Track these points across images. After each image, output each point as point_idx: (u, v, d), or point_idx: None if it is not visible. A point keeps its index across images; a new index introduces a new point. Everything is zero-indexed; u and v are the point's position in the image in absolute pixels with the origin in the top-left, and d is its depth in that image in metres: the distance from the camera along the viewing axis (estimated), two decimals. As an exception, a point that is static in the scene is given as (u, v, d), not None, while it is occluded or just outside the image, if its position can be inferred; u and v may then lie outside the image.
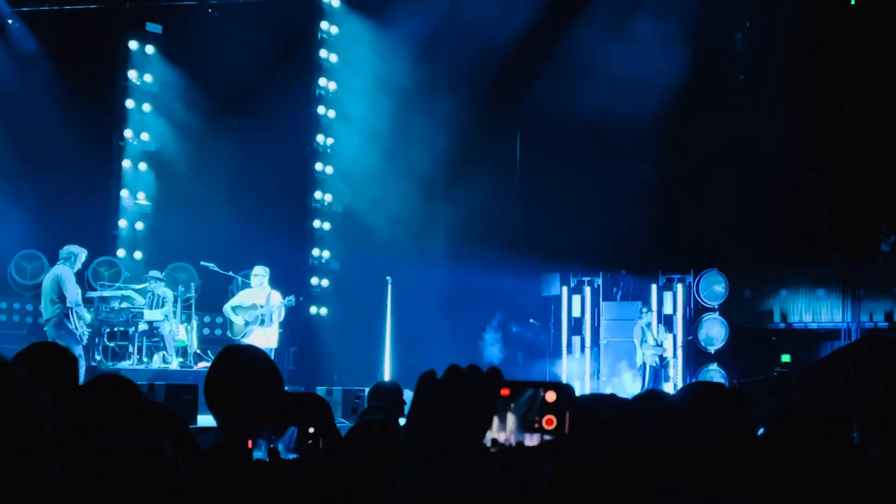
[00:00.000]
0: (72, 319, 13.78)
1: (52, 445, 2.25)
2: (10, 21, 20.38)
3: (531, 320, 18.41)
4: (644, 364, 17.16)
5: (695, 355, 18.22)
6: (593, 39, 17.88)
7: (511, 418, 1.71)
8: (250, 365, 3.81)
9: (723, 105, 18.83)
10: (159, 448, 2.41)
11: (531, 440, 1.70)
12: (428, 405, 1.69)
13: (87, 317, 14.51)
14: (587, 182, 18.43)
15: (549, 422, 1.71)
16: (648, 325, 17.17)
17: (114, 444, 2.39)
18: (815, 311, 19.12)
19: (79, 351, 13.73)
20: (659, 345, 17.29)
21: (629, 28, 17.86)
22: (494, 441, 1.70)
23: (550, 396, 1.73)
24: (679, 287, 18.36)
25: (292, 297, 15.62)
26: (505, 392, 1.72)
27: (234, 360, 3.86)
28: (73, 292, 13.90)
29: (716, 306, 18.25)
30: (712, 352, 18.08)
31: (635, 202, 18.06)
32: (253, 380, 3.74)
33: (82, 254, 14.54)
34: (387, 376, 15.85)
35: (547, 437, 1.70)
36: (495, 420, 1.70)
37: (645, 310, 17.40)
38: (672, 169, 18.60)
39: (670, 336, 17.97)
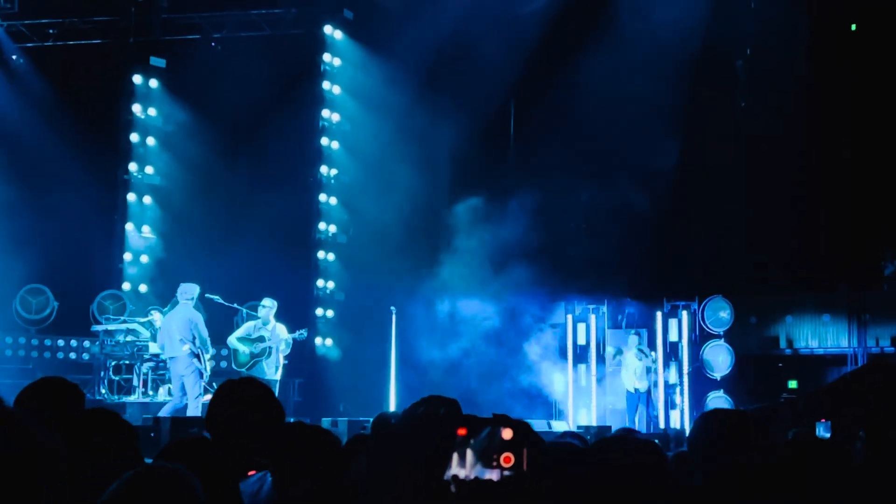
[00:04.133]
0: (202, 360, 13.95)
1: (64, 483, 2.26)
2: (14, 57, 20.50)
3: (536, 349, 18.36)
4: (638, 391, 17.35)
5: (701, 382, 18.15)
6: (595, 66, 17.94)
7: (470, 455, 1.71)
8: (246, 401, 3.81)
9: (726, 131, 18.86)
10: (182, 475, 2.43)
11: (491, 476, 1.70)
12: (386, 447, 1.70)
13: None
14: (590, 209, 18.44)
15: (507, 459, 1.72)
16: (640, 350, 17.33)
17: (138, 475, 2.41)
18: (820, 336, 19.08)
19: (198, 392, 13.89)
20: (652, 371, 17.57)
21: (631, 54, 17.90)
22: (455, 477, 1.70)
23: (507, 434, 1.74)
24: (684, 314, 18.32)
25: (304, 331, 15.62)
26: (462, 432, 1.73)
27: (231, 396, 3.86)
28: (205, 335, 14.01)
29: (721, 333, 18.20)
30: (718, 378, 18.02)
31: (639, 229, 18.06)
32: (248, 418, 3.73)
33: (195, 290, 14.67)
34: (392, 407, 15.82)
35: (506, 474, 1.71)
36: (455, 457, 1.70)
37: (633, 332, 17.70)
38: (676, 196, 18.60)
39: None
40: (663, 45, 17.87)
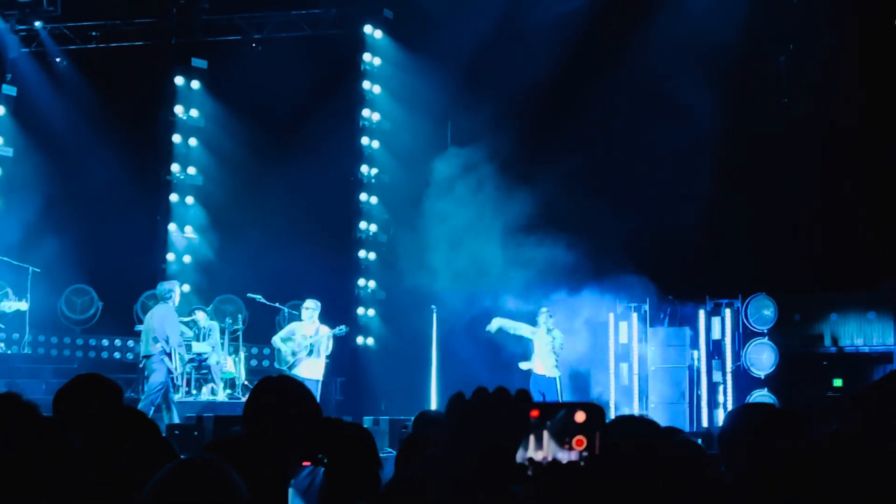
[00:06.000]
0: (173, 359, 14.03)
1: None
2: (57, 59, 20.72)
3: (576, 347, 18.30)
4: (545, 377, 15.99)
5: (744, 381, 18.02)
6: (634, 63, 17.85)
7: (547, 437, 1.71)
8: (285, 397, 3.82)
9: (769, 128, 18.71)
10: (221, 469, 2.44)
11: (565, 458, 1.71)
12: (459, 425, 1.70)
13: (185, 357, 14.74)
14: (631, 208, 18.35)
15: (580, 442, 1.72)
16: (549, 330, 16.14)
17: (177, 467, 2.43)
18: (866, 334, 18.87)
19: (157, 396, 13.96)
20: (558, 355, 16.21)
21: (672, 51, 17.79)
22: (531, 460, 1.71)
23: (580, 417, 1.75)
24: (727, 312, 18.19)
25: (343, 327, 15.67)
26: (534, 413, 1.74)
27: (270, 392, 3.88)
28: (175, 334, 14.13)
29: (765, 331, 18.05)
30: (762, 377, 17.88)
31: (682, 227, 17.94)
32: (288, 412, 3.75)
33: (177, 287, 14.73)
34: (434, 405, 15.83)
35: (580, 456, 1.71)
36: (531, 439, 1.71)
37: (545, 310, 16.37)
38: (718, 193, 18.46)
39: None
40: (704, 41, 17.75)
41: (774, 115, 18.97)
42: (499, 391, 1.75)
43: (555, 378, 16.00)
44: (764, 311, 18.02)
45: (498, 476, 1.70)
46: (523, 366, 16.20)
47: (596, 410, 1.78)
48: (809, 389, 17.66)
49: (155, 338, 13.91)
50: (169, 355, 13.94)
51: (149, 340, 14.01)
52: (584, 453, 1.73)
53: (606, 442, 1.73)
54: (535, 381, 15.90)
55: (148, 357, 14.03)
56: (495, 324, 16.13)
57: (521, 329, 16.19)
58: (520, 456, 1.71)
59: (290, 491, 3.78)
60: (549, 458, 1.73)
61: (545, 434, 1.73)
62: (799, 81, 18.86)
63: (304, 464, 3.75)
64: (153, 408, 13.67)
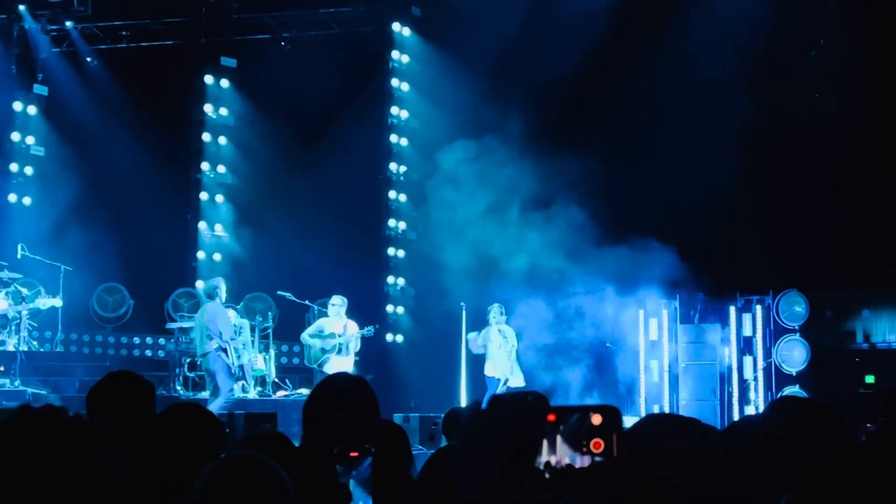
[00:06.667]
0: (229, 353, 14.16)
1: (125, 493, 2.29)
2: (88, 59, 20.86)
3: (607, 344, 18.27)
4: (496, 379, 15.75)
5: (776, 377, 17.92)
6: (662, 59, 17.77)
7: (561, 441, 1.71)
8: (352, 391, 3.85)
9: (799, 123, 18.58)
10: (267, 465, 2.46)
11: (581, 462, 1.70)
12: (477, 433, 1.70)
13: (241, 350, 14.85)
14: (660, 204, 18.28)
15: (597, 445, 1.72)
16: (500, 330, 15.81)
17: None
18: (899, 330, 18.73)
19: (231, 386, 14.23)
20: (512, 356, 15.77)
21: (699, 46, 17.71)
22: (547, 464, 1.70)
23: (596, 420, 1.74)
24: (758, 308, 18.09)
25: (371, 327, 15.71)
26: (551, 418, 1.73)
27: (338, 383, 3.91)
28: (228, 328, 14.26)
29: (796, 327, 17.95)
30: (794, 373, 17.78)
31: (713, 223, 17.86)
32: (354, 405, 3.78)
33: (222, 283, 14.84)
34: (463, 402, 15.84)
35: (597, 460, 1.71)
36: (545, 444, 1.70)
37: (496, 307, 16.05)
38: (748, 189, 18.37)
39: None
40: (733, 37, 17.66)
41: (806, 109, 18.84)
42: (516, 399, 1.75)
43: (497, 379, 15.63)
44: (795, 308, 17.92)
45: (517, 481, 1.70)
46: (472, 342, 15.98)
47: (612, 413, 1.77)
48: (841, 386, 17.53)
49: (209, 335, 14.04)
50: (224, 350, 14.08)
51: (203, 339, 14.14)
52: (601, 456, 1.73)
53: (624, 443, 1.73)
54: (488, 382, 15.76)
55: (204, 355, 14.18)
56: (475, 345, 15.94)
57: (480, 340, 15.89)
58: (537, 460, 1.71)
59: (352, 482, 3.82)
60: (565, 462, 1.73)
61: (559, 438, 1.73)
62: (829, 76, 18.73)
63: (353, 454, 3.78)
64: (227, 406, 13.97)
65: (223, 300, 14.63)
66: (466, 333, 16.44)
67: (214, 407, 13.74)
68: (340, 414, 3.75)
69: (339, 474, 3.66)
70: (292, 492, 2.48)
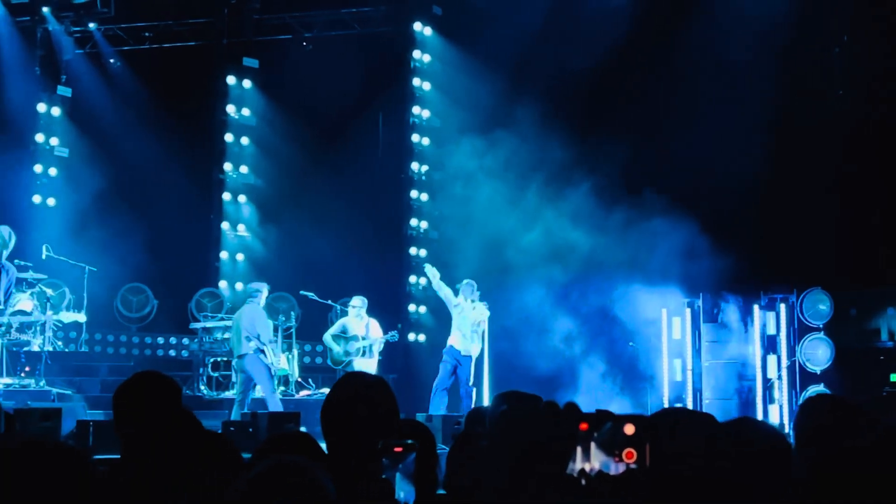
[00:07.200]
0: (268, 354, 14.30)
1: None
2: (111, 60, 20.96)
3: (630, 343, 18.22)
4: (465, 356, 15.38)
5: (800, 376, 17.84)
6: (684, 56, 17.72)
7: (595, 449, 1.71)
8: (372, 390, 3.85)
9: (821, 120, 18.48)
10: (312, 470, 2.46)
11: (614, 470, 1.71)
12: (502, 438, 1.71)
13: (278, 351, 15.01)
14: (683, 203, 18.23)
15: (629, 455, 1.72)
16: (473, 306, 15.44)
17: (269, 469, 2.45)
18: (923, 329, 18.61)
19: (273, 385, 14.49)
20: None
21: (721, 43, 17.64)
22: (581, 471, 1.71)
23: (629, 429, 1.74)
24: (782, 307, 18.00)
25: (395, 333, 15.79)
26: (583, 427, 1.74)
27: (357, 384, 3.91)
28: (267, 330, 14.40)
29: (820, 326, 17.86)
30: (818, 372, 17.69)
31: (736, 222, 17.79)
32: (374, 404, 3.78)
33: (265, 289, 14.98)
34: (486, 402, 15.81)
35: (630, 468, 1.71)
36: (579, 451, 1.71)
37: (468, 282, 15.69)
38: (771, 187, 18.29)
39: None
40: (755, 33, 17.58)
41: (829, 106, 18.75)
42: (526, 403, 1.77)
43: (470, 357, 15.41)
44: (819, 306, 17.82)
45: (524, 482, 1.71)
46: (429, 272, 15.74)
47: (644, 423, 1.78)
48: (866, 385, 17.43)
49: (247, 336, 14.15)
50: (263, 352, 14.20)
51: (241, 340, 14.26)
52: (635, 465, 1.73)
53: (658, 453, 1.73)
54: (449, 353, 15.46)
55: (242, 356, 14.29)
56: (432, 272, 15.63)
57: (444, 291, 15.57)
58: (570, 467, 1.72)
59: (398, 475, 3.84)
60: (598, 469, 1.74)
61: (593, 445, 1.73)
62: (853, 73, 18.63)
63: (396, 450, 3.80)
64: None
65: (262, 304, 14.75)
66: (488, 333, 16.43)
67: (273, 404, 14.03)
68: (362, 413, 3.76)
69: (385, 468, 3.67)
70: (333, 493, 2.49)
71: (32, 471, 2.31)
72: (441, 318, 19.27)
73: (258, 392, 15.94)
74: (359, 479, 3.50)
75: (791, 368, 17.77)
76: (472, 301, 15.53)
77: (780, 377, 17.78)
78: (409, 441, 3.71)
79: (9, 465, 2.31)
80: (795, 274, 18.00)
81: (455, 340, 15.44)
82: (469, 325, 15.34)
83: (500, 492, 1.73)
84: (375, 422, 3.74)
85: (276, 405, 14.12)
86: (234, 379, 16.27)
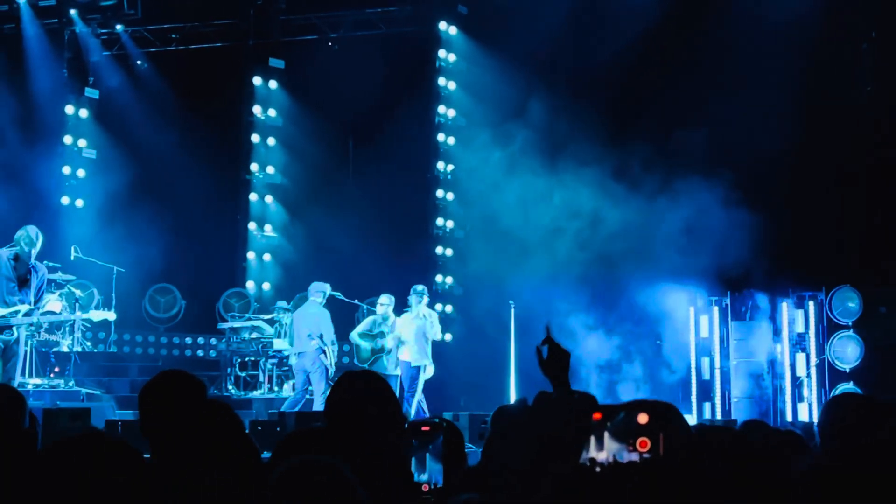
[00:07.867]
0: (328, 355, 14.40)
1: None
2: (138, 62, 21.07)
3: (657, 342, 18.17)
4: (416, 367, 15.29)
5: (829, 374, 17.73)
6: (710, 51, 17.63)
7: (608, 438, 1.70)
8: (365, 394, 3.85)
9: (852, 117, 18.37)
10: (340, 470, 2.47)
11: (627, 459, 1.69)
12: (517, 433, 1.71)
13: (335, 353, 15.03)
14: (710, 199, 18.14)
15: (643, 444, 1.70)
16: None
17: (297, 466, 2.46)
18: (954, 326, 18.45)
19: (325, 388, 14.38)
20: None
21: (748, 39, 17.56)
22: (593, 460, 1.70)
23: (643, 419, 1.73)
24: (811, 305, 17.90)
25: None
26: (597, 416, 1.73)
27: (350, 388, 3.91)
28: (330, 331, 14.49)
29: (850, 324, 17.74)
30: (847, 370, 17.58)
31: (764, 219, 17.69)
32: (383, 401, 3.79)
33: (328, 289, 14.99)
34: (512, 400, 15.80)
35: (644, 457, 1.70)
36: (593, 440, 1.70)
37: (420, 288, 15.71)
38: (799, 184, 18.18)
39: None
40: (782, 31, 17.47)
41: (859, 102, 18.63)
42: (561, 396, 1.76)
43: (419, 367, 15.29)
44: (848, 304, 17.71)
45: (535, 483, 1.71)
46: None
47: (660, 410, 1.76)
48: (895, 383, 17.31)
49: (310, 335, 14.27)
50: (324, 352, 14.29)
51: (301, 338, 14.36)
52: (648, 454, 1.72)
53: (671, 442, 1.71)
54: (403, 368, 15.39)
55: (300, 353, 14.42)
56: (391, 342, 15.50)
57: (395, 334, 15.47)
58: (583, 457, 1.71)
59: (427, 456, 3.85)
60: (611, 459, 1.72)
61: (607, 435, 1.72)
62: (881, 68, 18.49)
63: (424, 429, 3.81)
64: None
65: (322, 304, 14.89)
66: (514, 332, 16.41)
67: (321, 405, 13.99)
68: (372, 412, 3.76)
69: (415, 448, 3.68)
70: (362, 492, 2.50)
71: (94, 458, 2.42)
72: (467, 317, 19.28)
73: (286, 391, 16.02)
74: (367, 475, 3.51)
75: (820, 366, 17.66)
76: (421, 311, 15.59)
77: (808, 375, 17.68)
78: (437, 419, 3.72)
79: (74, 452, 2.42)
80: (824, 271, 17.88)
81: (403, 352, 15.49)
82: (415, 336, 15.44)
83: (512, 493, 1.73)
84: (385, 420, 3.75)
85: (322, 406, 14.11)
86: (260, 379, 16.35)
